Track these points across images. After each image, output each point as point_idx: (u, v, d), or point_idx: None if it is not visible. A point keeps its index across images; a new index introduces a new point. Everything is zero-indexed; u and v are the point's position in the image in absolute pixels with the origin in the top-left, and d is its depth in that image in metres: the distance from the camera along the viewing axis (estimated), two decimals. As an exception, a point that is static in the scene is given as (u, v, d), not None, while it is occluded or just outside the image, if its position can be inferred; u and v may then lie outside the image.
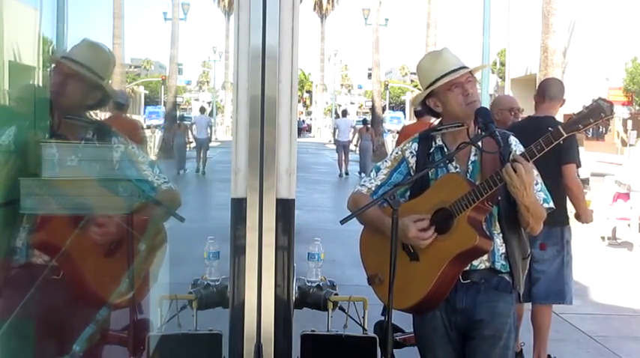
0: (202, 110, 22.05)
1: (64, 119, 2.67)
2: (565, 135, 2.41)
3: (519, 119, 4.97)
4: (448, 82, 2.63)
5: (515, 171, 2.40)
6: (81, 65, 2.67)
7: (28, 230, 2.59)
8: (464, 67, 2.67)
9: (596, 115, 2.39)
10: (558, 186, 4.12)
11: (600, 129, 2.50)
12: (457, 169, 2.67)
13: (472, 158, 2.66)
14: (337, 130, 21.31)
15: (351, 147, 20.72)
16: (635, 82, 29.71)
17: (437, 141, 2.72)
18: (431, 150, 2.72)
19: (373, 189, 2.78)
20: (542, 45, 14.07)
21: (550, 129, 2.43)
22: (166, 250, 2.82)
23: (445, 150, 2.69)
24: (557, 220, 4.14)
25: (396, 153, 2.83)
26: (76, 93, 2.68)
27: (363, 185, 2.82)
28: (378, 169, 2.83)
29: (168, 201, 2.77)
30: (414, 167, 2.74)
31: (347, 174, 19.51)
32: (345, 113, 23.61)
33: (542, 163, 2.55)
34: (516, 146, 2.66)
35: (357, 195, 2.80)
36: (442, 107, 2.69)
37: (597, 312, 6.22)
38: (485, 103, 7.62)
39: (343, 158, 19.82)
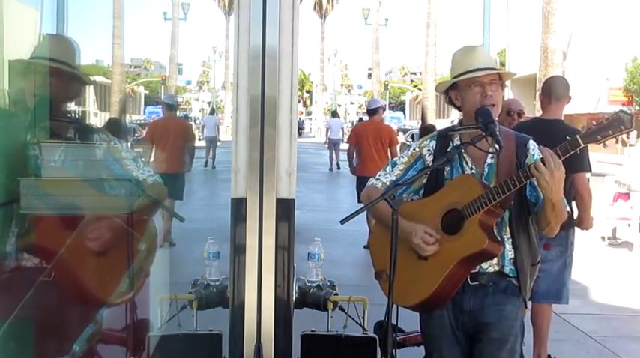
0: (212, 111, 24.50)
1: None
2: (582, 146, 2.38)
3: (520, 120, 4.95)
4: (469, 78, 2.60)
5: (544, 165, 2.36)
6: (53, 60, 2.62)
7: (16, 234, 2.56)
8: (491, 69, 2.64)
9: (616, 127, 2.35)
10: (567, 190, 4.12)
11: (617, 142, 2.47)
12: (473, 171, 2.64)
13: (488, 160, 2.63)
14: (329, 130, 22.86)
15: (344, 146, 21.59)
16: (635, 82, 29.66)
17: (455, 140, 2.70)
18: (448, 149, 2.68)
19: (388, 183, 2.75)
20: (542, 45, 14.09)
21: (568, 137, 2.40)
22: (156, 247, 2.77)
23: (462, 150, 2.65)
24: (563, 223, 4.14)
25: (414, 149, 2.79)
26: (56, 88, 2.62)
27: (377, 179, 2.79)
28: (394, 164, 2.80)
29: (154, 195, 2.72)
30: (430, 165, 2.71)
31: (338, 168, 20.39)
32: (335, 114, 26.10)
33: None
34: (534, 150, 2.62)
35: (372, 189, 2.77)
36: (461, 102, 2.68)
37: (597, 312, 6.21)
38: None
39: (334, 154, 21.12)
